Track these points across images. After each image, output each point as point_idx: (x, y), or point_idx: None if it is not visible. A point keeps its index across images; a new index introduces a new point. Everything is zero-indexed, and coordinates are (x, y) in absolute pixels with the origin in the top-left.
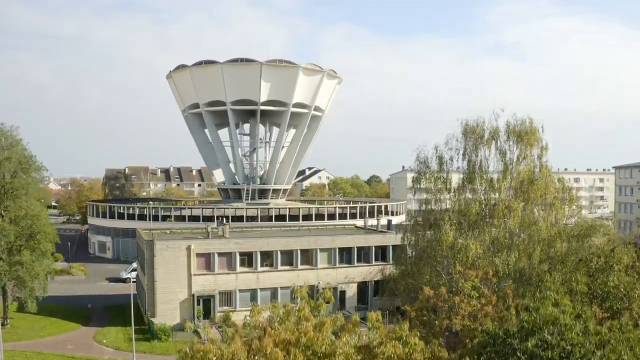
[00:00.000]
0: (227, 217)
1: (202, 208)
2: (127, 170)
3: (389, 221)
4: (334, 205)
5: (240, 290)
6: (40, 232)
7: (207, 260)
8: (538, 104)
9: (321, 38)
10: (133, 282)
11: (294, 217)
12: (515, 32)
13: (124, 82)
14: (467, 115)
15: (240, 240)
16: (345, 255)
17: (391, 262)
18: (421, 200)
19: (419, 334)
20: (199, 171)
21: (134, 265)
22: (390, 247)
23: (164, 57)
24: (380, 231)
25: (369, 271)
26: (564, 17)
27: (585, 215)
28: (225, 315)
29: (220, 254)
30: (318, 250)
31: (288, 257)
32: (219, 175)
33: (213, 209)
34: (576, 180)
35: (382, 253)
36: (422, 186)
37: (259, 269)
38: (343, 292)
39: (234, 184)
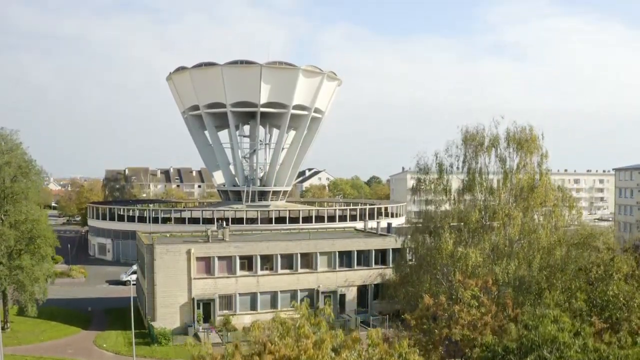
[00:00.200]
0: (227, 220)
1: (202, 210)
2: (127, 171)
3: (389, 224)
4: (334, 208)
5: (240, 294)
6: (40, 237)
7: (207, 264)
8: (538, 104)
9: (321, 38)
10: (133, 284)
11: (294, 219)
12: (515, 32)
13: (124, 82)
14: (467, 119)
15: (240, 244)
16: (345, 259)
17: (391, 265)
18: (421, 207)
19: (418, 351)
20: (199, 172)
21: (134, 267)
22: (390, 250)
23: (164, 57)
24: (380, 234)
25: (369, 275)
26: (564, 17)
27: (586, 215)
28: (226, 319)
29: (220, 258)
30: (318, 254)
31: (288, 261)
32: (218, 177)
33: (213, 211)
34: (576, 181)
35: (382, 256)
36: (421, 193)
37: (259, 272)
38: (343, 296)
39: (234, 185)
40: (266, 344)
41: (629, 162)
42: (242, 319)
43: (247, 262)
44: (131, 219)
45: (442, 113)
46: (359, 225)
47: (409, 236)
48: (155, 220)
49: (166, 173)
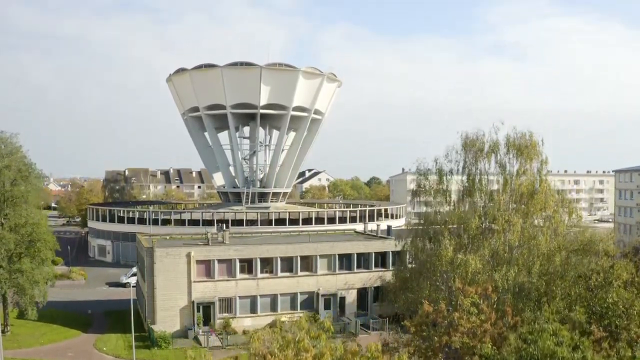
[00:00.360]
0: (227, 221)
1: (202, 212)
2: (127, 172)
3: (389, 227)
4: (334, 209)
5: (240, 297)
6: (40, 240)
7: (207, 267)
8: (538, 104)
9: (321, 38)
10: (133, 287)
11: (294, 221)
12: (515, 32)
13: (124, 83)
14: (467, 119)
15: (240, 247)
16: (345, 262)
17: (391, 268)
18: (421, 213)
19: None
20: (199, 173)
21: (134, 269)
22: (390, 253)
23: (164, 57)
24: (380, 237)
25: (369, 277)
26: (564, 17)
27: (585, 216)
28: (226, 322)
29: (220, 261)
30: (318, 257)
31: (288, 264)
32: (218, 179)
33: (213, 212)
34: (576, 182)
35: (381, 259)
36: (421, 198)
37: (259, 275)
38: (343, 299)
39: (234, 187)
40: (266, 356)
41: (629, 163)
42: (242, 322)
43: (247, 265)
44: (131, 220)
45: (442, 113)
46: (359, 227)
47: (409, 241)
48: (155, 222)
49: (166, 174)
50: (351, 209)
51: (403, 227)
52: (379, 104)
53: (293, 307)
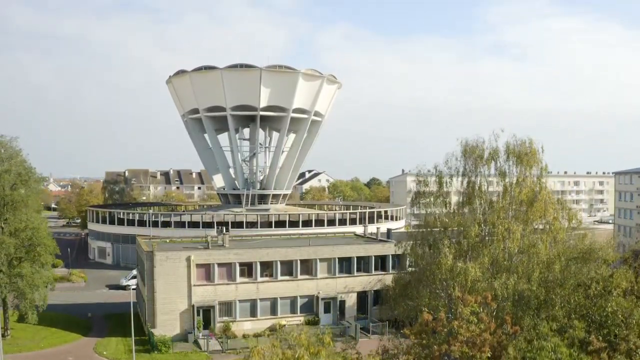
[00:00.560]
0: (226, 223)
1: (202, 214)
2: (127, 173)
3: (389, 230)
4: (333, 211)
5: (240, 301)
6: (40, 245)
7: (207, 271)
8: (538, 104)
9: (321, 38)
10: (133, 289)
11: (294, 223)
12: (515, 32)
13: (124, 83)
14: (467, 119)
15: (240, 251)
16: (345, 265)
17: (391, 271)
18: (421, 220)
19: None
20: (199, 174)
21: (134, 272)
22: (390, 256)
23: (164, 57)
24: (380, 240)
25: (369, 281)
26: (563, 17)
27: (585, 218)
28: (225, 325)
29: (220, 265)
30: (318, 261)
31: (288, 267)
32: (218, 180)
33: (213, 215)
34: (576, 183)
35: (381, 263)
36: (421, 205)
37: (259, 279)
38: (343, 302)
39: (234, 189)
40: None
41: (629, 163)
42: (242, 326)
43: (247, 269)
44: (131, 222)
45: (442, 113)
46: (359, 229)
47: (409, 248)
48: (155, 224)
49: (166, 175)
50: (351, 210)
51: (403, 230)
52: (378, 104)
53: (293, 310)
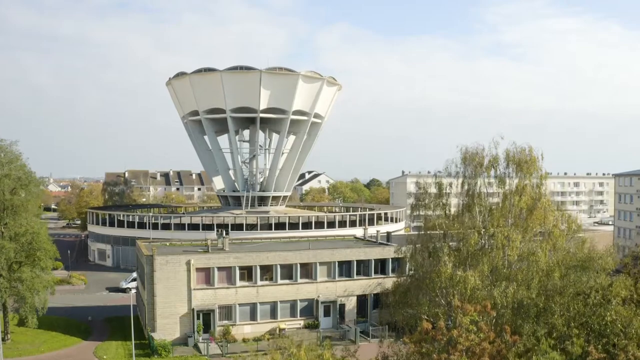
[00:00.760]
0: (226, 226)
1: (202, 216)
2: (127, 174)
3: (389, 233)
4: (333, 213)
5: (240, 305)
6: (40, 249)
7: (206, 275)
8: (537, 104)
9: (320, 38)
10: (133, 292)
11: (294, 225)
12: (515, 33)
13: (123, 82)
14: (467, 119)
15: (240, 255)
16: (345, 269)
17: (391, 275)
18: (420, 227)
19: None
20: (199, 175)
21: (134, 275)
22: (390, 260)
23: (163, 57)
24: (380, 243)
25: (369, 284)
26: (563, 17)
27: (585, 219)
28: (225, 329)
29: (220, 269)
30: (317, 264)
31: (287, 271)
32: (218, 182)
33: (213, 217)
34: (576, 184)
35: (381, 266)
36: (421, 212)
37: (259, 283)
38: (342, 306)
39: (234, 191)
40: None
41: (629, 163)
42: (242, 329)
43: (247, 273)
44: (131, 225)
45: (441, 112)
46: (359, 231)
47: (409, 255)
48: (155, 227)
49: (166, 176)
50: (351, 212)
51: (403, 232)
52: (378, 104)
53: (293, 314)
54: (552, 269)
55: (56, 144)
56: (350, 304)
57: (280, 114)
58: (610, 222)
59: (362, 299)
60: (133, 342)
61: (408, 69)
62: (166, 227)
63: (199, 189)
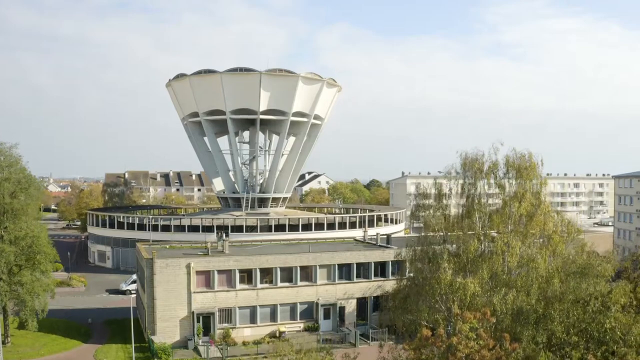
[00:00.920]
0: (226, 227)
1: (202, 218)
2: (127, 175)
3: (388, 235)
4: (333, 214)
5: (240, 308)
6: (40, 253)
7: (206, 278)
8: (538, 104)
9: (320, 38)
10: (133, 294)
11: (294, 227)
12: (515, 33)
13: (123, 82)
14: (466, 119)
15: (240, 258)
16: (345, 271)
17: (391, 277)
18: (420, 234)
19: None
20: (199, 176)
21: (134, 277)
22: (390, 263)
23: (163, 57)
24: (380, 245)
25: (368, 287)
26: (563, 17)
27: (585, 220)
28: (225, 332)
29: (219, 272)
30: (317, 267)
31: (287, 274)
32: (218, 184)
33: (213, 219)
34: (576, 185)
35: (381, 269)
36: (421, 218)
37: (259, 285)
38: (342, 308)
39: (234, 192)
40: None
41: (629, 163)
42: (242, 332)
43: (247, 276)
44: (131, 226)
45: (441, 112)
46: (359, 232)
47: (408, 263)
48: (155, 228)
49: (166, 177)
50: (351, 214)
51: (403, 234)
52: (378, 103)
53: (293, 317)
54: (551, 275)
55: (56, 144)
56: (350, 306)
57: (280, 116)
58: (610, 223)
59: (362, 302)
60: (133, 345)
61: (408, 69)
62: (166, 228)
63: (199, 190)
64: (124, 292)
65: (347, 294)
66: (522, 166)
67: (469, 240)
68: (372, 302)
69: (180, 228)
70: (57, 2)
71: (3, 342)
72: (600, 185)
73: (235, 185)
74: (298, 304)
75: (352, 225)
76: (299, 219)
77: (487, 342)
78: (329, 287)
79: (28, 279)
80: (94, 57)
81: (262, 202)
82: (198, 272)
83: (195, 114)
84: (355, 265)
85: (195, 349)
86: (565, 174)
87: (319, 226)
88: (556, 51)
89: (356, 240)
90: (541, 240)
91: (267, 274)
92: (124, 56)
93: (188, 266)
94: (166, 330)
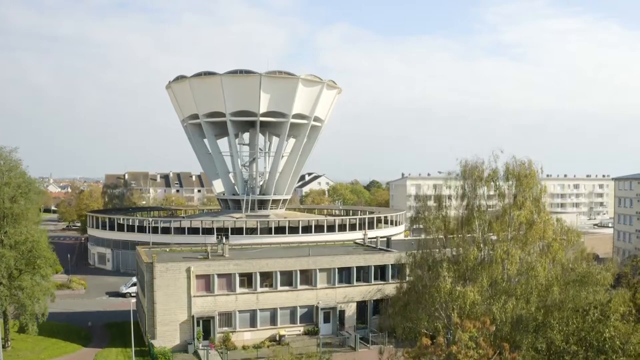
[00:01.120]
0: (226, 229)
1: (202, 220)
2: (126, 176)
3: (388, 238)
4: (333, 217)
5: (240, 311)
6: (40, 257)
7: (206, 282)
8: (538, 104)
9: (320, 38)
10: (133, 297)
11: (294, 229)
12: (515, 33)
13: (123, 82)
14: (466, 119)
15: (240, 261)
16: (345, 275)
17: (391, 281)
18: (420, 240)
19: None
20: (199, 177)
21: (134, 279)
22: (390, 266)
23: (163, 57)
24: (380, 249)
25: (368, 290)
26: (563, 17)
27: (585, 221)
28: (225, 336)
29: (219, 275)
30: (317, 271)
31: (287, 278)
32: (218, 186)
33: (213, 221)
34: (576, 186)
35: (381, 272)
36: (420, 225)
37: (259, 289)
38: (342, 312)
39: (234, 194)
40: None
41: (629, 164)
42: (242, 336)
43: (247, 279)
44: (131, 228)
45: (441, 112)
46: (359, 234)
47: (408, 270)
48: (155, 230)
49: (166, 178)
50: (351, 216)
51: (403, 236)
52: (378, 103)
53: (293, 320)
54: (551, 283)
55: (56, 144)
56: (350, 310)
57: (280, 118)
58: (610, 225)
59: (361, 305)
60: (133, 349)
61: (408, 69)
62: (166, 231)
63: (199, 191)
64: (124, 295)
65: (347, 297)
66: (522, 174)
67: (468, 248)
68: (372, 306)
69: (180, 230)
70: (57, 2)
71: (3, 346)
72: (600, 186)
73: (235, 187)
74: (298, 307)
75: (352, 228)
76: (299, 221)
77: (486, 351)
78: (329, 290)
79: (28, 283)
80: (94, 57)
81: (262, 204)
82: (198, 276)
83: (195, 116)
84: (355, 269)
85: (195, 353)
86: (565, 175)
87: (319, 228)
88: (556, 51)
89: (356, 243)
90: (541, 246)
91: (267, 278)
92: (124, 56)
93: (188, 270)
94: (166, 334)
